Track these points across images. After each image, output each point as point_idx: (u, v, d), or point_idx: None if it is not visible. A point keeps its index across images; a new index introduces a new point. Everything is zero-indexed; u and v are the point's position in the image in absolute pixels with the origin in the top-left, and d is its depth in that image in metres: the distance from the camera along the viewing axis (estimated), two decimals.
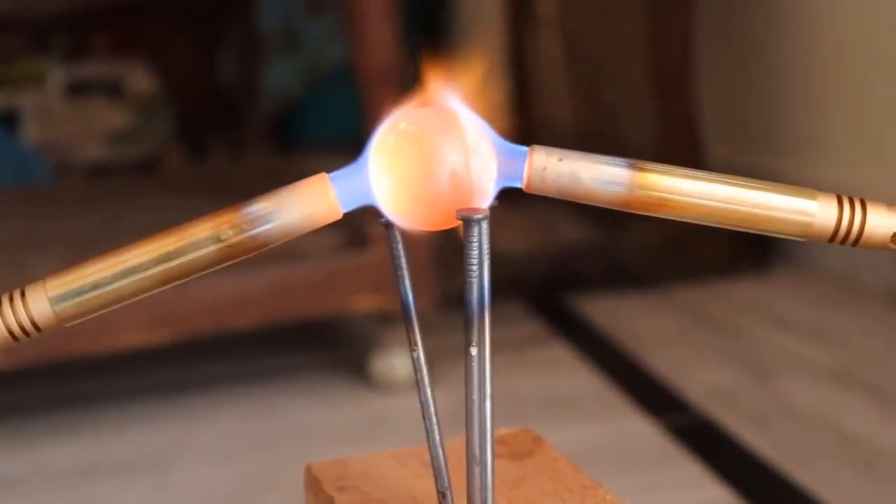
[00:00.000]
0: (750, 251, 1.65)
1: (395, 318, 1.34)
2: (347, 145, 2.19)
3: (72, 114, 2.53)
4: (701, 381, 1.29)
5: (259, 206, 0.43)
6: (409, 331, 0.45)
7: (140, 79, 2.57)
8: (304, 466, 1.17)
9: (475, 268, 0.43)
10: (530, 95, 2.16)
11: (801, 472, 1.06)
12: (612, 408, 1.24)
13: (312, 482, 0.52)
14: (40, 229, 1.52)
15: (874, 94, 1.58)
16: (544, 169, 0.43)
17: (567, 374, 1.34)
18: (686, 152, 1.70)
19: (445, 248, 1.37)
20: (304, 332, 1.48)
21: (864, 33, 1.58)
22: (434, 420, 0.46)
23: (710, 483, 1.06)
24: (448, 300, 1.39)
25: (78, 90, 2.51)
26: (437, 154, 0.42)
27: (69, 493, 1.15)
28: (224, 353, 1.47)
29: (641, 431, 1.18)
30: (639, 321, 1.50)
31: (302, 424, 1.27)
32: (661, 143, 1.71)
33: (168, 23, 2.61)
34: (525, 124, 2.10)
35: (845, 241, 0.44)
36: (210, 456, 1.22)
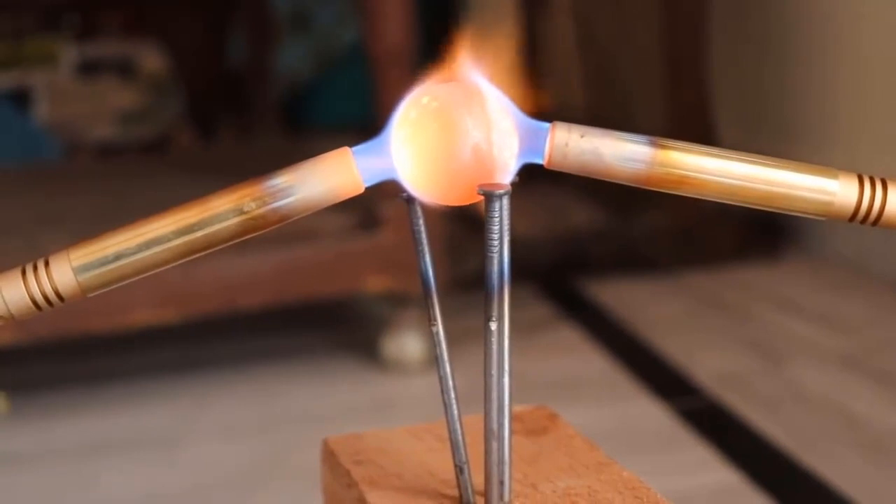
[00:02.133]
0: (760, 237, 1.65)
1: (406, 299, 1.34)
2: (358, 128, 2.19)
3: (83, 93, 2.53)
4: (710, 365, 1.29)
5: (281, 179, 0.43)
6: (429, 306, 0.45)
7: (151, 59, 2.57)
8: (313, 447, 1.18)
9: (496, 243, 0.43)
10: (542, 80, 2.16)
11: (809, 455, 1.07)
12: (622, 390, 1.24)
13: (329, 456, 0.53)
14: (51, 207, 1.52)
15: (886, 82, 1.58)
16: (566, 145, 0.43)
17: (576, 357, 1.34)
18: (698, 139, 1.69)
19: (457, 231, 1.37)
20: (314, 312, 1.48)
21: (878, 21, 1.58)
22: (452, 395, 0.46)
23: (719, 466, 1.06)
24: (458, 283, 1.39)
25: (89, 69, 2.51)
26: (460, 129, 0.42)
27: (77, 470, 1.16)
28: (234, 332, 1.47)
29: (651, 414, 1.18)
30: (649, 305, 1.50)
31: (311, 405, 1.28)
32: (672, 129, 1.71)
33: (179, 3, 2.60)
34: (536, 109, 2.09)
35: (865, 221, 0.44)
36: (219, 435, 1.22)
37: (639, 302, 1.51)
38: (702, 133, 1.71)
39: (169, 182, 1.59)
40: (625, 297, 1.52)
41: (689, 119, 1.73)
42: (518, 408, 0.55)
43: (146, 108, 2.56)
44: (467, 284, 1.40)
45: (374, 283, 1.32)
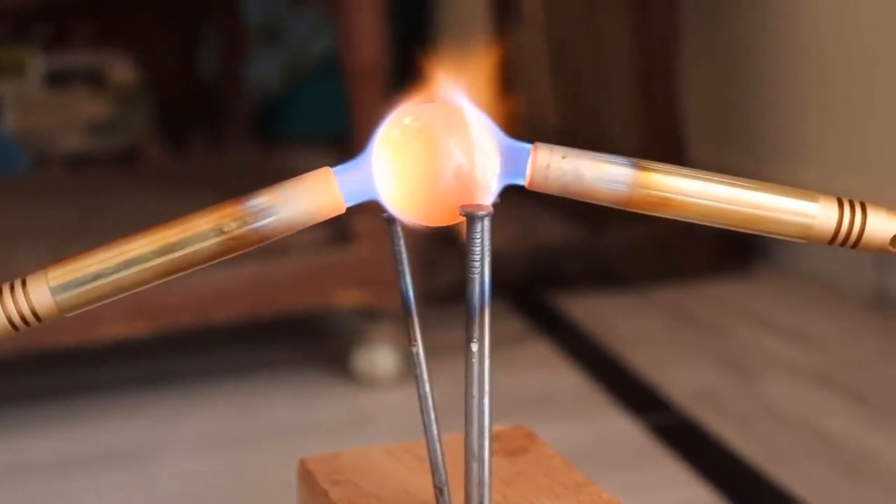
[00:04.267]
0: (732, 252, 1.66)
1: (378, 313, 1.34)
2: (330, 141, 2.18)
3: (52, 103, 2.51)
4: (683, 380, 1.30)
5: (262, 199, 0.43)
6: (410, 326, 0.45)
7: (121, 69, 2.56)
8: (287, 464, 1.17)
9: (477, 264, 0.43)
10: (514, 95, 2.16)
11: (782, 472, 1.07)
12: (595, 406, 1.24)
13: (306, 476, 0.52)
14: (22, 222, 1.51)
15: (853, 99, 1.59)
16: (547, 167, 0.43)
17: (549, 373, 1.34)
18: (670, 155, 1.70)
19: (430, 246, 1.37)
20: (287, 325, 1.48)
21: (847, 37, 1.59)
22: (432, 415, 0.46)
23: (692, 483, 1.06)
24: (431, 297, 1.39)
25: (58, 80, 2.50)
26: (442, 150, 0.42)
27: (49, 486, 1.15)
28: (206, 346, 1.46)
29: (623, 430, 1.18)
30: (621, 320, 1.50)
31: (284, 420, 1.27)
32: (645, 145, 1.71)
33: (150, 14, 2.59)
34: (511, 124, 2.10)
35: (845, 244, 0.44)
36: (191, 450, 1.21)
37: (611, 317, 1.51)
38: (673, 149, 1.71)
39: (141, 196, 1.58)
40: (597, 312, 1.52)
41: (660, 135, 1.73)
42: (496, 427, 0.55)
43: (116, 119, 2.55)
44: (439, 299, 1.40)
45: (347, 298, 1.32)
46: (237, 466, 1.17)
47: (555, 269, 1.61)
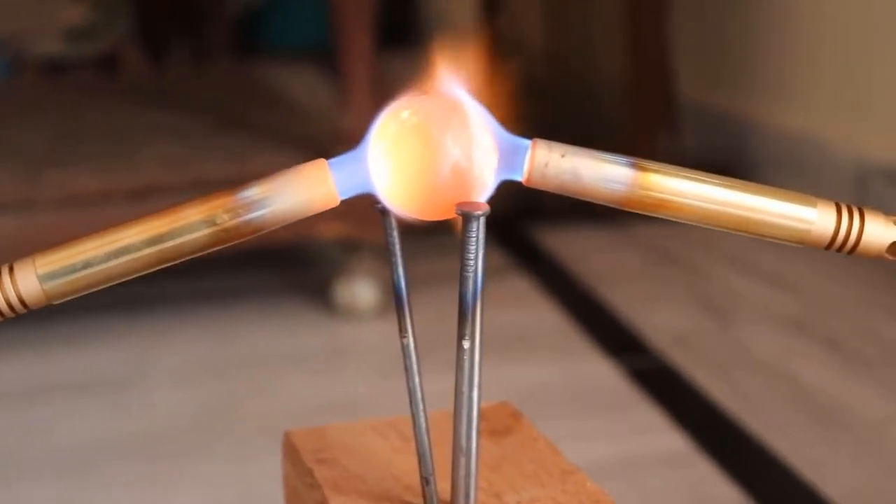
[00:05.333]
0: None
1: (360, 246, 1.33)
2: (314, 54, 2.15)
3: (29, 7, 2.47)
4: (661, 322, 1.30)
5: (255, 191, 0.42)
6: (401, 317, 0.45)
7: None
8: (265, 395, 1.17)
9: (472, 262, 0.43)
10: (501, 15, 2.13)
11: (756, 422, 1.08)
12: (572, 347, 1.25)
13: (291, 451, 0.52)
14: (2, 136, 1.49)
15: (844, 39, 1.58)
16: (546, 165, 0.43)
17: (528, 309, 1.35)
18: (657, 85, 1.69)
19: None
20: (267, 255, 1.47)
21: None
22: (421, 407, 0.46)
23: (667, 430, 1.07)
24: (414, 229, 1.39)
25: None
26: (440, 146, 0.42)
27: (24, 414, 1.15)
28: (185, 272, 1.46)
29: (601, 373, 1.19)
30: (602, 256, 1.50)
31: (263, 349, 1.27)
32: (632, 74, 1.70)
33: None
34: (494, 44, 2.08)
35: (841, 249, 0.44)
36: (168, 379, 1.21)
37: (592, 253, 1.51)
38: (661, 79, 1.70)
39: (119, 114, 1.57)
40: (578, 247, 1.52)
41: (647, 61, 1.72)
42: (482, 405, 0.55)
43: (93, 24, 2.51)
44: (423, 231, 1.39)
45: (329, 230, 1.31)
46: (216, 397, 1.17)
47: (537, 201, 1.61)
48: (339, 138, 1.30)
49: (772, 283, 1.40)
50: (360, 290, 1.33)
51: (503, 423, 0.54)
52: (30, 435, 1.11)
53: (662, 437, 1.06)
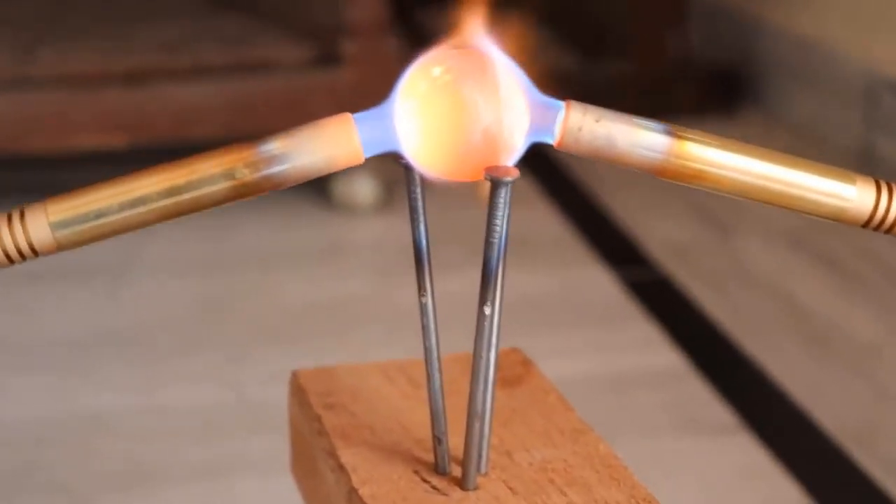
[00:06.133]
0: (720, 92, 1.63)
1: None
2: None
3: None
4: (660, 232, 1.30)
5: (276, 145, 0.40)
6: (420, 276, 0.43)
7: None
8: (261, 292, 1.16)
9: (498, 228, 0.42)
10: None
11: (750, 341, 1.08)
12: (571, 254, 1.24)
13: (298, 392, 0.51)
14: None
15: None
16: (580, 129, 0.41)
17: (528, 212, 1.33)
18: None
19: None
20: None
21: None
22: (436, 366, 0.45)
23: (661, 346, 1.07)
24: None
25: None
26: (472, 109, 0.40)
27: (12, 300, 1.14)
28: (181, 151, 1.43)
29: (598, 283, 1.18)
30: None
31: (260, 243, 1.26)
32: None
33: None
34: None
35: (879, 228, 0.43)
36: (164, 269, 1.20)
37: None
38: None
39: None
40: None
41: None
42: None
43: None
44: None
45: None
46: (208, 290, 1.16)
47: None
48: (342, 29, 1.27)
49: None
50: (360, 186, 1.32)
51: (514, 371, 0.53)
52: (17, 323, 1.11)
53: (656, 354, 1.06)
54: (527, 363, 0.54)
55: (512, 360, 0.54)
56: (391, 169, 1.33)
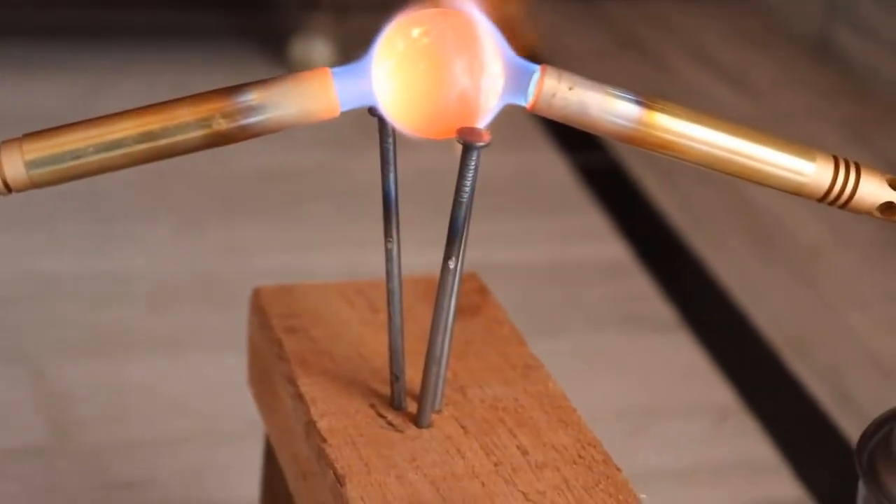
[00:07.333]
0: None
1: (319, 3, 1.30)
2: None
3: None
4: None
5: (254, 95, 0.41)
6: (388, 223, 0.44)
7: None
8: (215, 162, 1.15)
9: (467, 190, 0.43)
10: None
11: (698, 236, 1.10)
12: (525, 135, 1.24)
13: (259, 312, 0.53)
14: None
15: None
16: (553, 95, 0.42)
17: None
18: None
19: None
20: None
21: None
22: (398, 309, 0.46)
23: (609, 237, 1.09)
24: None
25: None
26: (449, 72, 0.41)
27: None
28: (136, 3, 1.41)
29: (551, 167, 1.19)
30: (567, 37, 1.48)
31: None
32: None
33: None
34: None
35: (834, 203, 0.44)
36: None
37: (557, 31, 1.49)
38: None
39: None
40: (544, 21, 1.50)
41: None
42: None
43: None
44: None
45: None
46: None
47: None
48: None
49: (730, 81, 1.40)
50: (316, 49, 1.31)
51: (470, 299, 0.55)
52: None
53: (604, 245, 1.08)
54: (483, 291, 0.56)
55: (468, 288, 0.55)
56: (350, 31, 1.32)
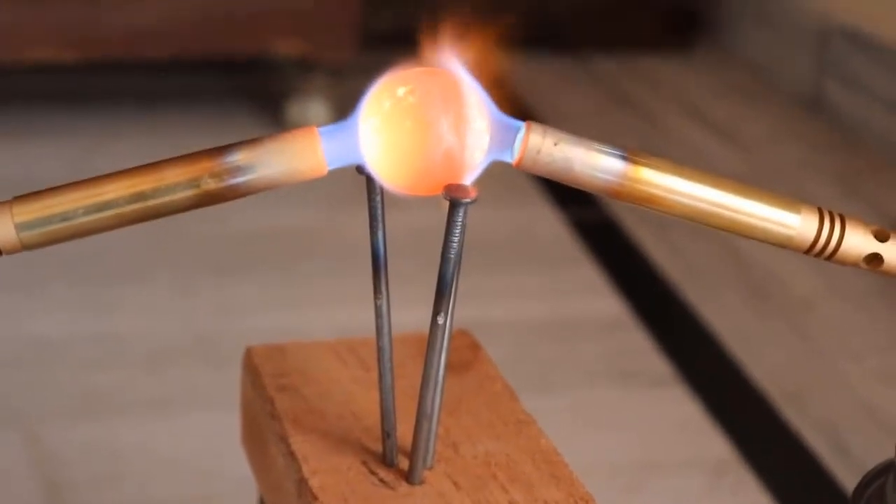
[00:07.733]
0: (677, 27, 1.64)
1: (316, 65, 1.31)
2: None
3: None
4: None
5: (241, 155, 0.41)
6: (377, 280, 0.45)
7: None
8: (207, 218, 1.15)
9: (455, 245, 0.43)
10: None
11: (693, 290, 1.10)
12: (519, 189, 1.25)
13: (251, 371, 0.53)
14: None
15: None
16: (538, 152, 0.42)
17: None
18: None
19: None
20: (221, 59, 1.44)
21: None
22: (388, 366, 0.46)
23: (605, 291, 1.09)
24: (370, 39, 1.36)
25: None
26: (435, 131, 0.41)
27: None
28: (133, 68, 1.42)
29: (545, 222, 1.20)
30: (558, 92, 1.49)
31: None
32: None
33: None
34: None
35: (820, 255, 0.45)
36: None
37: (548, 87, 1.50)
38: None
39: None
40: (535, 79, 1.51)
41: None
42: None
43: None
44: (378, 41, 1.37)
45: (285, 46, 1.28)
46: None
47: (499, 24, 1.57)
48: None
49: (722, 135, 1.41)
50: (313, 111, 1.32)
51: (462, 356, 0.55)
52: None
53: (598, 300, 1.08)
54: (475, 347, 0.56)
55: (460, 344, 0.56)
56: (345, 93, 1.33)
